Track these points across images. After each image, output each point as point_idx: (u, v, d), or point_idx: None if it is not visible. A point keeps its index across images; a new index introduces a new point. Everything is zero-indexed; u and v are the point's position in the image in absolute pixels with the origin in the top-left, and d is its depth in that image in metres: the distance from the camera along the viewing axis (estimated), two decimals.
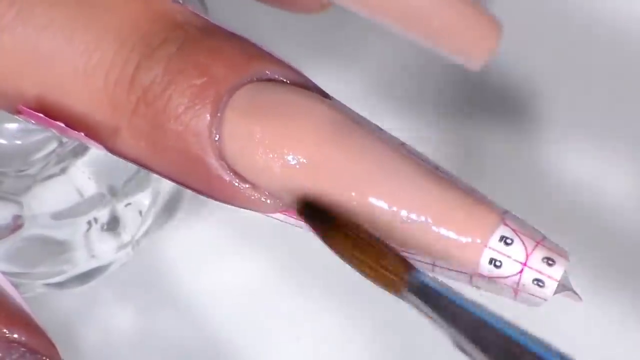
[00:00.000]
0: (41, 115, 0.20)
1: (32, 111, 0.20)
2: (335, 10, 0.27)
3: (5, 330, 0.21)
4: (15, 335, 0.21)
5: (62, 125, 0.20)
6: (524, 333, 0.18)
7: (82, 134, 0.20)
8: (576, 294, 0.20)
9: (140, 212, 0.28)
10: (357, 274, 0.21)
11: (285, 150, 0.19)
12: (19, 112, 0.21)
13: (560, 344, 0.18)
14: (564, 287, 0.19)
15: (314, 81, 0.21)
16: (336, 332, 0.32)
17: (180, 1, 0.26)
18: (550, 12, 0.34)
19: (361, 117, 0.20)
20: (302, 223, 0.21)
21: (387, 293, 0.21)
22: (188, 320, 0.32)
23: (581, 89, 0.33)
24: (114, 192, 0.27)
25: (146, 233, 0.28)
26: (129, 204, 0.28)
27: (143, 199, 0.28)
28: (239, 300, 0.32)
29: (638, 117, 0.33)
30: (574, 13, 0.34)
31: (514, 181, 0.33)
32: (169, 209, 0.28)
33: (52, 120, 0.20)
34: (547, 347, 0.18)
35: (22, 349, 0.21)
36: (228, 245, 0.32)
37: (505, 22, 0.27)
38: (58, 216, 0.27)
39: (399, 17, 0.26)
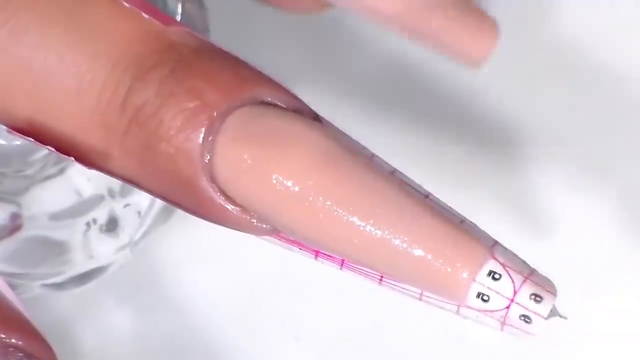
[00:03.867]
0: (31, 139, 0.20)
1: (21, 135, 0.20)
2: (333, 11, 0.27)
3: (2, 335, 0.21)
4: (13, 340, 0.21)
5: (52, 149, 0.20)
6: None
7: (72, 158, 0.20)
8: (562, 316, 0.20)
9: (139, 213, 0.28)
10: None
11: (276, 177, 0.19)
12: (9, 132, 0.21)
13: None
14: (551, 313, 0.19)
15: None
16: (336, 332, 0.32)
17: (178, 15, 0.26)
18: (540, 37, 0.34)
19: (354, 141, 0.20)
20: (292, 246, 0.21)
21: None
22: (187, 321, 0.32)
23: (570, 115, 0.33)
24: (112, 193, 0.27)
25: (145, 234, 0.28)
26: (128, 205, 0.28)
27: (141, 200, 0.28)
28: (237, 301, 0.32)
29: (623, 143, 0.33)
30: (565, 42, 0.34)
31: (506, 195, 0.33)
32: (168, 210, 0.28)
33: (42, 144, 0.20)
34: None
35: (20, 353, 0.21)
36: (227, 245, 0.32)
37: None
38: (56, 217, 0.27)
39: (398, 17, 0.26)
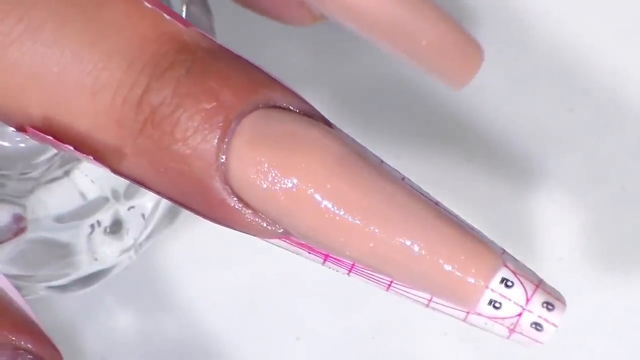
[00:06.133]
0: (49, 137, 0.20)
1: (39, 132, 0.20)
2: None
3: (12, 338, 0.21)
4: (22, 343, 0.21)
5: (71, 148, 0.20)
6: None
7: (91, 157, 0.20)
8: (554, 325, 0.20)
9: (143, 216, 0.28)
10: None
11: (291, 180, 0.19)
12: (25, 132, 0.20)
13: None
14: None
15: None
16: (336, 332, 0.32)
17: (183, 13, 0.26)
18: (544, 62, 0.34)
19: (364, 148, 0.20)
20: (300, 250, 0.21)
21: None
22: (190, 322, 0.32)
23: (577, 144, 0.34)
24: (116, 196, 0.27)
25: (149, 236, 0.28)
26: (132, 207, 0.28)
27: (146, 202, 0.28)
28: (239, 302, 0.32)
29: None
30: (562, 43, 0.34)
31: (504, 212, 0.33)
32: (172, 212, 0.28)
33: (60, 143, 0.20)
34: None
35: (29, 356, 0.21)
36: (229, 247, 0.32)
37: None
38: (61, 219, 0.27)
39: (388, 34, 0.26)
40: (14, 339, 0.21)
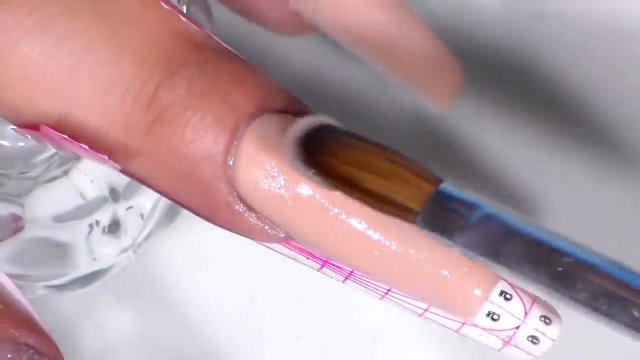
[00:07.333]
0: (66, 137, 0.20)
1: (54, 132, 0.20)
2: None
3: (14, 332, 0.21)
4: (24, 338, 0.21)
5: (86, 147, 0.20)
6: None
7: (107, 156, 0.20)
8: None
9: (142, 216, 0.28)
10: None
11: (300, 186, 0.19)
12: (37, 130, 0.20)
13: None
14: None
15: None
16: (336, 332, 0.32)
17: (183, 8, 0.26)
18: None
19: None
20: (298, 255, 0.21)
21: None
22: (189, 322, 0.32)
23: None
24: (115, 195, 0.27)
25: (147, 236, 0.28)
26: (131, 207, 0.28)
27: (145, 202, 0.28)
28: (238, 302, 0.32)
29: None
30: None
31: None
32: (171, 212, 0.28)
33: (77, 143, 0.20)
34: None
35: (31, 351, 0.21)
36: (227, 247, 0.32)
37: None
38: (60, 218, 0.27)
39: (373, 48, 0.26)
40: (16, 333, 0.21)
